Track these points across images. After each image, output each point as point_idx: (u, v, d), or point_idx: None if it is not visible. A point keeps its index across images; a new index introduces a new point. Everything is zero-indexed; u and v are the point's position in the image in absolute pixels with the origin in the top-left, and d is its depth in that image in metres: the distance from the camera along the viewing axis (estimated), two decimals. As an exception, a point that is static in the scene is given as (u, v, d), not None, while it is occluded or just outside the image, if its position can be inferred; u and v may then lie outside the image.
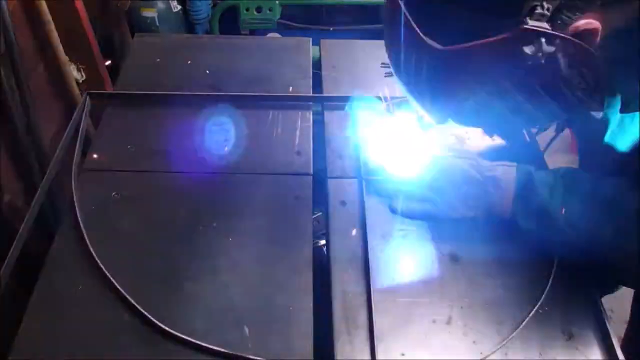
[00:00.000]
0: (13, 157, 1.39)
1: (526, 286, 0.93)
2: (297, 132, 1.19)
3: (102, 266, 0.91)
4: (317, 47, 1.45)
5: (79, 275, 0.92)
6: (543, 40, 0.65)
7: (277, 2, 2.13)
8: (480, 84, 0.74)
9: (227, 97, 1.25)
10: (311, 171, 1.11)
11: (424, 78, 0.78)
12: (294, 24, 2.18)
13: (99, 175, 1.09)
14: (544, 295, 0.92)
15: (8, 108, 1.32)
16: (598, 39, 0.68)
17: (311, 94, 1.29)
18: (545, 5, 0.65)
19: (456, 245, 0.99)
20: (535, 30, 0.65)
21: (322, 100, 1.27)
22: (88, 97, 1.22)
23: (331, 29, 2.27)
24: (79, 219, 0.98)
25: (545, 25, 0.65)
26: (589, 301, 0.92)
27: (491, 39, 0.66)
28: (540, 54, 0.66)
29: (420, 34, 0.71)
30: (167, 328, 0.84)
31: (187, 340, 0.83)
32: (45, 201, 1.44)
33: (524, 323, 0.88)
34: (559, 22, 0.66)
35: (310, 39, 1.46)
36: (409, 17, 0.72)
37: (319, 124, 1.23)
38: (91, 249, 0.94)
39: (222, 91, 1.28)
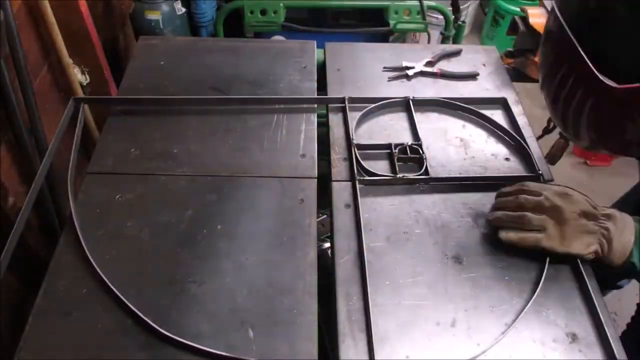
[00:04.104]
0: (16, 159, 1.39)
1: (529, 288, 0.93)
2: (302, 135, 1.19)
3: (99, 272, 0.91)
4: (321, 50, 1.45)
5: (82, 279, 0.92)
6: None
7: (281, 5, 2.12)
8: None
9: (232, 100, 1.25)
10: (316, 174, 1.11)
11: (587, 113, 0.71)
12: (298, 27, 2.17)
13: (103, 178, 1.09)
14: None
15: (12, 110, 1.32)
16: None
17: (316, 97, 1.29)
18: None
19: (460, 247, 0.99)
20: None
21: (326, 102, 1.27)
22: (72, 101, 1.20)
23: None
24: (76, 224, 0.98)
25: None
26: (592, 304, 0.91)
27: None
28: None
29: (595, 71, 0.65)
30: (168, 333, 0.84)
31: (190, 345, 0.83)
32: (50, 206, 1.44)
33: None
34: None
35: (315, 42, 1.46)
36: (582, 53, 0.66)
37: (324, 127, 1.23)
38: (88, 255, 0.93)
39: (227, 94, 1.28)
